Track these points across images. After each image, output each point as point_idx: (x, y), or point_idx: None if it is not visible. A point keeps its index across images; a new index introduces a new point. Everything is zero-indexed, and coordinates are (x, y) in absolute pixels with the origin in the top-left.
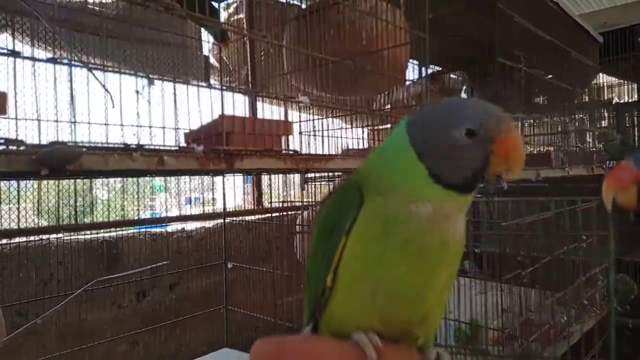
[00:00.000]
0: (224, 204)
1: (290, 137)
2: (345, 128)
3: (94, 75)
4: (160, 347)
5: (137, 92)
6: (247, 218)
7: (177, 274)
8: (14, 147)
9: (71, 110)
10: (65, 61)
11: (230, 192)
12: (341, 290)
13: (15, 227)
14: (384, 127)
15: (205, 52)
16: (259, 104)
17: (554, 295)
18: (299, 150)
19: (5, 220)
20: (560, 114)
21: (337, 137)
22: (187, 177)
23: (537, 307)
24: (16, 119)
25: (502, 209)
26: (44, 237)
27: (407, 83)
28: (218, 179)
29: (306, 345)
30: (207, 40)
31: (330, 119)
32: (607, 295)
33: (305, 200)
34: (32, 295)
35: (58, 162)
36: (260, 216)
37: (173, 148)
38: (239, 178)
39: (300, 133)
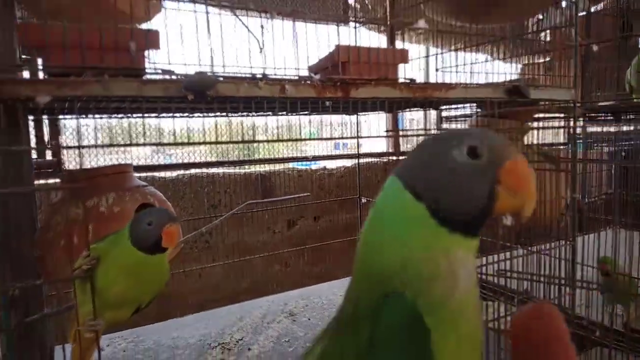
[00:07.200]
0: (358, 144)
1: (407, 66)
2: (486, 61)
3: (241, 20)
4: (306, 269)
5: (262, 26)
6: (384, 159)
7: (320, 207)
8: (168, 77)
9: (210, 43)
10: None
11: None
12: None
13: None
14: (539, 61)
15: None
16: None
17: None
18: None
19: (185, 155)
20: None
21: (479, 73)
22: (335, 125)
23: None
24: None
25: None
26: (213, 170)
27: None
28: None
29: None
30: None
31: (467, 53)
32: None
33: None
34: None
35: (200, 87)
36: (395, 158)
37: (293, 78)
38: (382, 123)
39: (437, 70)
